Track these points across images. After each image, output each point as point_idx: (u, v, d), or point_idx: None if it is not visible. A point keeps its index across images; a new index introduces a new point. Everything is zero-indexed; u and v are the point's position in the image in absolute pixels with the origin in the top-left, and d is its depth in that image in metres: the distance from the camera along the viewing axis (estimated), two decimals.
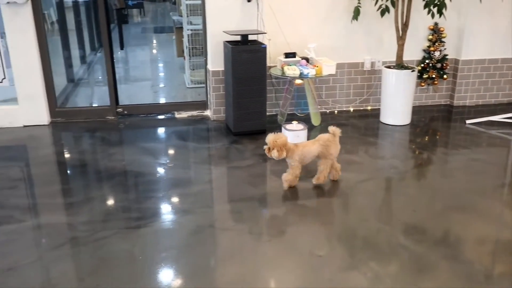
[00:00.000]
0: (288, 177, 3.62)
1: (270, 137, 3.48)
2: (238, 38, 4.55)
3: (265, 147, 3.55)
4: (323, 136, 3.65)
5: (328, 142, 3.61)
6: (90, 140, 4.80)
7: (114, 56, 5.29)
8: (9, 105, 5.05)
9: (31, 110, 4.99)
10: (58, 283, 2.65)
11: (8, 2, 4.55)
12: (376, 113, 5.33)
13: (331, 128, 3.64)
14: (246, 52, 4.44)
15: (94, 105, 5.93)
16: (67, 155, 4.45)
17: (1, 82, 4.88)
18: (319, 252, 2.87)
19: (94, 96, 6.56)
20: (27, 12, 4.68)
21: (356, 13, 4.93)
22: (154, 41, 11.05)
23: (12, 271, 2.72)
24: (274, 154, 3.46)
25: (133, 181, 3.92)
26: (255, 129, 4.67)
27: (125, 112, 5.30)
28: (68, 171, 4.17)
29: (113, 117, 5.24)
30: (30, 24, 4.73)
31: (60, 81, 5.94)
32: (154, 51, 10.00)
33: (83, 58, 7.83)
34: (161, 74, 7.95)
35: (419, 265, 2.74)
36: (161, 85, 7.12)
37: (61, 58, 6.63)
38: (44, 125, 5.05)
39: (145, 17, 14.89)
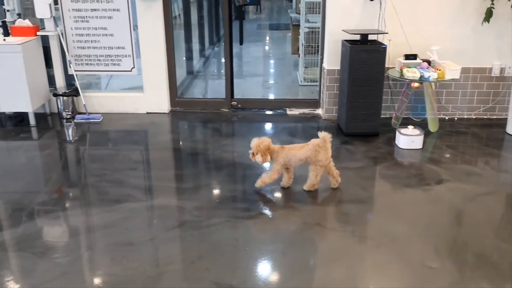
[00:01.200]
0: (265, 179, 3.51)
1: (254, 142, 3.42)
2: (357, 37, 4.46)
3: (249, 152, 3.47)
4: (313, 141, 3.47)
5: (318, 148, 3.43)
6: (205, 130, 5.01)
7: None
8: (136, 93, 5.45)
9: (154, 98, 5.33)
10: (171, 262, 2.81)
11: None
12: (501, 123, 4.93)
13: (321, 134, 3.46)
14: (365, 52, 4.35)
15: (209, 97, 6.19)
16: (183, 143, 4.70)
17: (130, 71, 5.28)
18: (432, 264, 2.73)
19: (209, 88, 6.84)
20: (159, 7, 5.00)
21: (488, 15, 4.59)
22: (268, 38, 11.24)
23: (131, 246, 2.94)
24: (258, 158, 3.39)
25: (243, 173, 4.03)
26: (367, 131, 4.56)
27: (239, 105, 5.46)
28: (183, 158, 4.40)
29: (227, 110, 5.43)
30: (160, 19, 5.05)
31: (180, 72, 6.28)
32: (268, 47, 10.17)
33: (202, 52, 8.20)
34: (274, 70, 8.07)
35: None
36: (274, 81, 7.22)
37: (183, 51, 7.01)
38: (164, 113, 5.37)
39: (261, 14, 15.19)
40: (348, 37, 4.56)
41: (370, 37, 4.51)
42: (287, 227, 3.15)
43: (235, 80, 5.65)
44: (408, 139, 4.26)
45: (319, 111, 5.30)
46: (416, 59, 4.62)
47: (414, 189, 3.63)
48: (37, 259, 2.80)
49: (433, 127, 4.73)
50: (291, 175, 3.62)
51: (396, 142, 4.39)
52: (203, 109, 5.45)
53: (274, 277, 2.68)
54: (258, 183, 3.55)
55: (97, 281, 2.65)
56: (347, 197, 3.53)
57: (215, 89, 6.68)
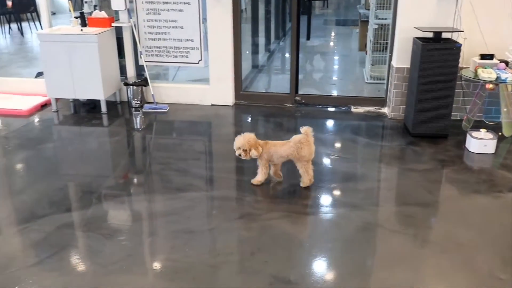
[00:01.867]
0: (259, 178, 3.53)
1: (241, 140, 3.38)
2: (430, 35, 4.30)
3: (239, 152, 3.39)
4: (295, 137, 3.41)
5: (300, 144, 3.36)
6: (268, 124, 5.03)
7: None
8: (202, 85, 5.56)
9: (219, 91, 5.41)
10: (231, 252, 2.85)
11: None
12: None
13: (304, 129, 3.39)
14: (437, 51, 4.18)
15: (273, 91, 6.19)
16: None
17: (198, 63, 5.39)
18: (500, 275, 2.60)
19: (273, 83, 6.85)
20: (228, 0, 5.05)
21: None
22: (333, 34, 11.08)
23: (192, 234, 3.01)
24: (253, 153, 3.36)
25: None
26: (436, 133, 4.40)
27: (303, 101, 5.43)
28: None
29: (290, 105, 5.41)
30: (228, 12, 5.11)
31: (245, 66, 6.33)
32: (334, 43, 10.03)
33: (267, 46, 8.22)
34: (339, 67, 7.95)
35: None
36: (339, 78, 7.12)
37: (248, 44, 7.06)
38: (228, 105, 5.44)
39: (327, 9, 15.00)
40: (419, 35, 4.40)
41: (444, 35, 4.33)
42: (348, 226, 3.11)
43: (300, 75, 5.62)
44: (480, 143, 4.07)
45: (385, 110, 5.17)
46: (492, 59, 4.38)
47: (484, 196, 3.46)
48: (105, 240, 2.93)
49: (507, 131, 4.49)
50: (278, 168, 3.62)
51: (467, 145, 4.20)
52: (266, 103, 5.46)
53: (332, 276, 2.65)
54: (253, 181, 3.57)
55: (159, 265, 2.74)
56: (412, 199, 3.42)
57: (279, 83, 6.68)
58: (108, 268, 2.68)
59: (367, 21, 6.94)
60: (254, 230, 3.07)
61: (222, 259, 2.77)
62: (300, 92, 5.53)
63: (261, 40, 7.89)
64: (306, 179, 3.49)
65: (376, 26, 6.20)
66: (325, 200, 3.44)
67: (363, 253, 2.83)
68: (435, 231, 3.09)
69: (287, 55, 8.41)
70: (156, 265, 2.75)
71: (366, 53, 6.82)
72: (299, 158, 3.43)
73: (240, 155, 3.44)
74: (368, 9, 7.00)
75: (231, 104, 5.45)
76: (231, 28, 5.18)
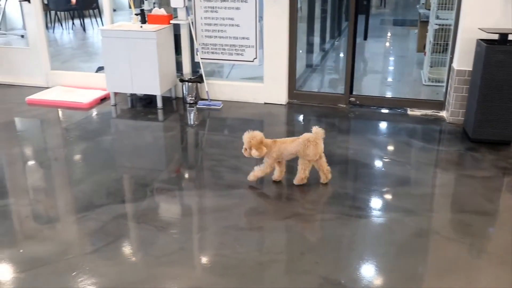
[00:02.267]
0: (257, 173, 3.51)
1: (245, 137, 3.39)
2: (495, 36, 4.12)
3: (243, 148, 3.41)
4: (305, 135, 3.45)
5: (308, 142, 3.39)
6: (320, 124, 4.93)
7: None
8: (255, 83, 5.58)
9: (273, 89, 5.42)
10: (281, 251, 2.85)
11: None
12: None
13: (314, 129, 3.44)
14: (503, 53, 3.99)
15: (326, 91, 6.13)
16: (297, 135, 4.69)
17: (252, 61, 5.41)
18: None
19: (327, 83, 6.78)
20: None
21: None
22: (390, 34, 10.83)
23: (242, 231, 3.03)
24: (254, 153, 3.36)
25: (358, 171, 3.94)
26: (498, 139, 4.21)
27: (357, 102, 5.34)
28: None
29: (344, 105, 5.34)
30: (285, 11, 5.10)
31: (299, 65, 6.30)
32: (390, 44, 9.81)
33: (321, 45, 8.15)
34: (396, 68, 7.76)
35: None
36: (395, 79, 6.96)
37: (303, 43, 7.02)
38: (281, 104, 5.43)
39: (385, 9, 14.68)
40: (483, 36, 4.23)
41: (510, 37, 4.13)
42: (401, 231, 3.03)
43: (354, 76, 5.52)
44: None
45: (443, 114, 4.99)
46: None
47: None
48: (158, 232, 3.00)
49: None
50: (283, 169, 3.60)
51: None
52: (320, 103, 5.41)
53: (383, 281, 2.59)
54: (250, 177, 3.55)
55: (210, 260, 2.78)
56: (470, 207, 3.29)
57: (333, 84, 6.60)
58: (160, 260, 2.74)
59: (427, 22, 6.73)
60: (304, 230, 3.05)
61: (271, 258, 2.77)
62: (354, 92, 5.44)
63: (316, 39, 7.82)
64: (299, 176, 3.52)
65: (437, 27, 6.01)
66: (377, 203, 3.37)
67: (416, 259, 2.75)
68: (493, 242, 2.96)
69: (342, 55, 8.31)
70: (206, 260, 2.79)
71: (424, 54, 6.62)
72: (303, 156, 3.45)
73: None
74: (429, 9, 6.79)
75: (284, 103, 5.44)
76: (287, 26, 5.17)
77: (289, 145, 3.46)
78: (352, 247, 2.89)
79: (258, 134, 3.40)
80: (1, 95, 6.03)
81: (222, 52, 5.46)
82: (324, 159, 3.52)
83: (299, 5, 7.04)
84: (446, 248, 2.87)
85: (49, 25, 9.92)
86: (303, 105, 5.42)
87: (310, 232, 3.01)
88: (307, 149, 3.40)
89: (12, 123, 5.12)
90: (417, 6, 8.98)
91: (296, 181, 3.54)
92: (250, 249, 2.84)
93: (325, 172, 3.54)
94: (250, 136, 3.39)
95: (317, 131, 3.43)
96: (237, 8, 5.23)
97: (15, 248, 2.88)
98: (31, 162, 4.25)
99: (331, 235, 2.98)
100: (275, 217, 3.21)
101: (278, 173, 3.60)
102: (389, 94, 6.07)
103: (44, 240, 2.96)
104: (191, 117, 5.24)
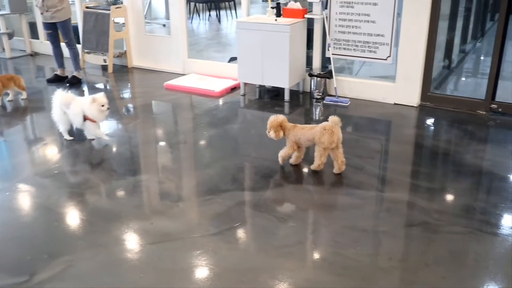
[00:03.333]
0: (281, 153, 3.74)
1: (270, 119, 3.64)
2: None
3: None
4: (323, 124, 3.56)
5: (323, 130, 3.50)
6: (455, 131, 4.65)
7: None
8: (386, 82, 5.37)
9: (405, 90, 5.17)
10: (404, 259, 2.71)
11: None
12: None
13: (331, 118, 3.55)
14: None
15: (464, 95, 5.70)
16: (427, 140, 4.45)
17: (386, 59, 5.21)
18: None
19: (464, 87, 6.31)
20: None
21: None
22: None
23: (365, 233, 2.94)
24: (271, 134, 3.62)
25: (496, 184, 3.59)
26: None
27: (499, 109, 4.88)
28: (424, 156, 4.17)
29: (484, 112, 4.91)
30: (426, 8, 4.81)
31: (434, 66, 5.93)
32: None
33: (461, 46, 7.59)
34: None
35: None
36: None
37: (441, 43, 6.58)
38: (412, 106, 5.16)
39: None
40: None
41: None
42: None
43: (498, 81, 5.06)
44: None
45: None
46: None
47: None
48: (278, 223, 3.03)
49: None
50: (301, 155, 3.78)
51: None
52: (455, 108, 5.04)
53: None
54: (280, 161, 3.77)
55: (328, 258, 2.73)
56: None
57: (471, 88, 6.12)
58: (279, 251, 2.76)
59: None
60: (431, 241, 2.86)
61: (394, 264, 2.65)
62: (497, 99, 4.98)
63: (456, 39, 7.30)
64: (316, 163, 3.64)
65: None
66: None
67: None
68: None
69: (483, 57, 7.67)
70: (325, 257, 2.74)
71: None
72: (318, 143, 3.57)
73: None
74: None
75: (415, 105, 5.16)
76: (427, 25, 4.88)
77: (307, 131, 3.61)
78: (484, 265, 2.65)
79: (280, 117, 3.66)
80: (143, 79, 6.55)
81: (354, 49, 5.34)
82: (341, 150, 3.62)
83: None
84: None
85: (188, 15, 10.54)
86: (437, 109, 5.10)
87: (438, 244, 2.81)
88: (322, 136, 3.52)
89: (150, 106, 5.53)
90: None
91: (313, 167, 3.68)
92: (372, 253, 2.75)
93: (339, 163, 3.62)
94: (273, 118, 3.66)
95: (334, 120, 3.55)
96: (375, 4, 5.06)
97: (146, 221, 3.09)
98: (162, 143, 4.54)
99: (461, 250, 2.76)
100: (398, 222, 3.06)
101: (295, 158, 3.78)
102: None
103: (172, 217, 3.15)
104: (317, 112, 5.20)
